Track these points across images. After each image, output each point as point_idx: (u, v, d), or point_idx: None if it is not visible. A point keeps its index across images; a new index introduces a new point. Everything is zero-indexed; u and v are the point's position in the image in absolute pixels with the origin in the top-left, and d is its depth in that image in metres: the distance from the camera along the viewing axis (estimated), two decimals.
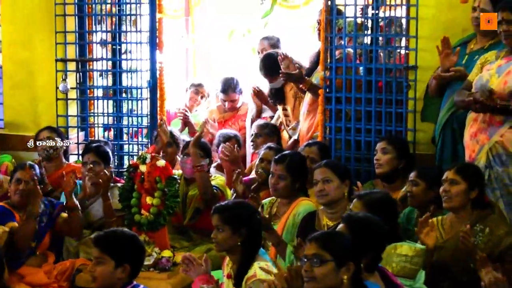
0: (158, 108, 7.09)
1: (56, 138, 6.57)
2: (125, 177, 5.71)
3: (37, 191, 5.43)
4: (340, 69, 6.34)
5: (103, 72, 7.40)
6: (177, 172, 6.00)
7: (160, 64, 7.07)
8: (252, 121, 7.42)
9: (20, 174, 5.66)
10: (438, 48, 5.60)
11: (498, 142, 5.10)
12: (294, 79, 6.64)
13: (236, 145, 6.69)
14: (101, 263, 4.21)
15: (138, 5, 7.15)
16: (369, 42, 6.38)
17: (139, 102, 7.23)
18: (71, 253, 5.87)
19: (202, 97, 8.14)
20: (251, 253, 4.44)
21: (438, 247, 4.69)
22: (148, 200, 5.47)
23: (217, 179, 6.17)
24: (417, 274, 4.47)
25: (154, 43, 7.01)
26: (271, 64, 6.92)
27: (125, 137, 7.44)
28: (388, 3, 6.26)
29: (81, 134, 7.33)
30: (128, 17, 7.23)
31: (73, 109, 7.29)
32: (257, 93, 7.48)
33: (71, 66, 7.25)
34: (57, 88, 7.16)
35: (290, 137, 7.11)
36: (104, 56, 7.34)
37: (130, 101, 7.34)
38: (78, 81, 7.28)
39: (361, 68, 6.33)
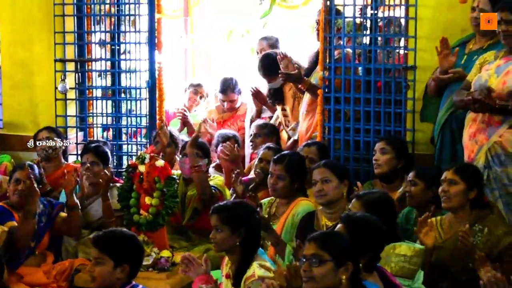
0: (157, 108, 7.08)
1: (55, 138, 6.57)
2: (124, 177, 5.71)
3: (34, 189, 5.42)
4: (339, 69, 6.34)
5: (102, 73, 7.40)
6: (176, 172, 5.99)
7: (159, 64, 7.07)
8: (252, 121, 7.42)
9: (19, 174, 5.66)
10: (437, 48, 5.61)
11: (497, 143, 5.10)
12: (293, 79, 6.64)
13: (236, 145, 6.70)
14: (100, 263, 4.21)
15: (137, 5, 7.15)
16: (368, 42, 6.39)
17: (138, 102, 7.23)
18: (70, 253, 5.87)
19: (201, 97, 8.14)
20: (250, 253, 4.44)
21: (437, 247, 4.69)
22: (147, 200, 5.47)
23: (216, 179, 6.17)
24: (415, 274, 4.47)
25: (153, 43, 7.01)
26: (269, 64, 6.93)
27: (124, 137, 7.43)
28: (387, 3, 6.26)
29: (80, 134, 7.32)
30: (127, 17, 7.23)
31: (72, 109, 7.29)
32: (256, 94, 7.48)
33: (70, 66, 7.25)
34: (56, 88, 7.16)
35: (289, 137, 7.11)
36: (103, 57, 7.34)
37: (129, 101, 7.33)
38: (77, 81, 7.29)
39: (360, 68, 6.33)
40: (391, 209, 4.64)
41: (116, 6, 7.29)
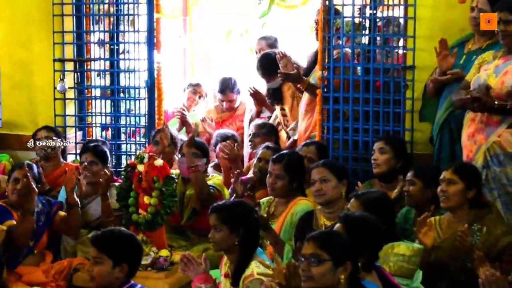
0: (156, 108, 7.09)
1: (54, 138, 6.57)
2: (122, 176, 5.70)
3: (32, 187, 5.41)
4: (338, 69, 6.34)
5: (101, 72, 7.40)
6: (174, 171, 5.99)
7: (158, 64, 7.08)
8: (251, 121, 7.42)
9: (17, 174, 5.65)
10: (436, 49, 5.61)
11: (496, 142, 5.11)
12: (292, 79, 6.64)
13: (236, 144, 6.71)
14: (99, 263, 4.20)
15: (136, 5, 7.15)
16: (367, 42, 6.39)
17: (137, 102, 7.24)
18: (69, 252, 5.88)
19: (200, 97, 8.14)
20: (249, 252, 4.44)
21: (435, 246, 4.69)
22: (146, 199, 5.46)
23: (214, 178, 6.17)
24: (414, 274, 4.47)
25: (152, 43, 7.01)
26: (268, 64, 6.92)
27: (122, 136, 7.43)
28: (386, 3, 6.26)
29: (79, 133, 7.33)
30: (126, 17, 7.23)
31: (71, 108, 7.29)
32: (254, 94, 7.47)
33: (69, 66, 7.25)
34: (55, 88, 7.16)
35: (288, 137, 7.11)
36: (102, 56, 7.34)
37: (128, 101, 7.34)
38: (76, 81, 7.29)
39: (359, 68, 6.33)
40: (390, 208, 4.65)
41: (115, 5, 7.29)
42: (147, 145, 6.99)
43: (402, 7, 6.18)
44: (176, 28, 8.90)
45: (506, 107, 4.96)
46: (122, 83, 7.33)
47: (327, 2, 6.32)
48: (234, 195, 5.81)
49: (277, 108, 7.26)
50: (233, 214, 4.48)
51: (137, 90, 7.22)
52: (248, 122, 7.49)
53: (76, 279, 5.45)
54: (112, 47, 7.32)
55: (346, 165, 6.10)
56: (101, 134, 7.45)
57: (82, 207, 5.88)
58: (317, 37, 6.53)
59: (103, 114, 7.32)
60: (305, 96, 6.72)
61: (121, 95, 7.35)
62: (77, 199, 5.73)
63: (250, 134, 7.03)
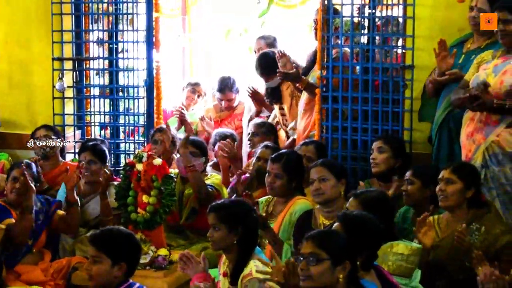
0: (155, 107, 7.09)
1: (53, 137, 6.57)
2: (121, 175, 5.70)
3: (29, 185, 5.41)
4: (337, 68, 6.34)
5: (100, 71, 7.39)
6: (173, 171, 5.99)
7: (157, 63, 7.07)
8: (250, 121, 7.41)
9: (16, 173, 5.65)
10: (435, 50, 5.61)
11: (495, 142, 5.11)
12: (291, 78, 6.64)
13: (235, 143, 6.71)
14: (97, 262, 4.20)
15: (135, 4, 7.14)
16: (366, 42, 6.39)
17: (136, 101, 7.23)
18: (67, 251, 5.87)
19: (198, 96, 8.14)
20: (247, 251, 4.44)
21: (434, 246, 4.69)
22: (145, 198, 5.46)
23: (213, 177, 6.17)
24: (413, 273, 4.47)
25: (150, 42, 7.01)
26: (267, 63, 6.92)
27: (121, 135, 7.43)
28: (385, 2, 6.27)
29: (78, 132, 7.33)
30: (125, 16, 7.23)
31: (69, 107, 7.29)
32: (253, 94, 7.46)
33: (68, 65, 7.25)
34: (53, 86, 7.16)
35: (287, 136, 7.11)
36: (101, 55, 7.34)
37: (126, 100, 7.33)
38: (74, 80, 7.29)
39: (357, 67, 6.33)
40: (388, 207, 4.65)
41: (114, 4, 7.29)
42: (146, 144, 6.98)
43: (401, 7, 6.18)
44: (175, 27, 8.90)
45: (505, 107, 4.96)
46: (121, 82, 7.33)
47: (326, 2, 6.32)
48: (235, 195, 5.81)
49: (276, 107, 7.25)
50: (232, 213, 4.48)
51: (136, 89, 7.21)
52: (247, 121, 7.49)
53: (75, 278, 5.45)
54: (111, 46, 7.32)
55: (345, 164, 6.11)
56: (100, 133, 7.44)
57: (81, 206, 5.88)
58: (316, 36, 6.52)
59: (102, 113, 7.31)
60: (304, 96, 6.72)
61: (120, 94, 7.34)
62: (77, 198, 5.72)
63: (249, 133, 7.03)
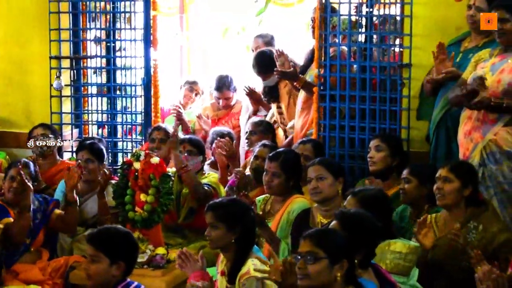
0: (152, 106, 7.09)
1: (50, 135, 6.57)
2: (119, 174, 5.70)
3: (26, 184, 5.40)
4: (334, 67, 6.34)
5: (97, 70, 7.40)
6: (171, 169, 5.98)
7: (154, 61, 7.08)
8: (248, 119, 7.41)
9: (13, 172, 5.64)
10: (434, 53, 5.60)
11: (492, 140, 5.12)
12: (289, 77, 6.63)
13: (233, 141, 6.71)
14: (95, 261, 4.19)
15: (132, 2, 7.14)
16: (363, 40, 6.39)
17: (133, 99, 7.24)
18: (65, 250, 5.88)
19: (196, 95, 8.13)
20: (245, 250, 4.44)
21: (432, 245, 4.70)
22: (142, 197, 5.45)
23: (210, 176, 6.17)
24: (410, 271, 4.48)
25: (148, 40, 7.01)
26: (264, 62, 6.92)
27: (119, 134, 7.43)
28: (382, 1, 6.26)
29: (75, 131, 7.32)
30: (122, 14, 7.23)
31: (67, 106, 7.29)
32: (250, 93, 7.45)
33: (65, 63, 7.25)
34: (51, 85, 7.15)
35: (285, 135, 7.11)
36: (98, 54, 7.34)
37: (124, 99, 7.35)
38: (72, 79, 7.28)
39: (355, 66, 6.33)
40: (386, 206, 4.66)
41: (111, 3, 7.28)
42: (143, 142, 6.98)
43: (398, 5, 6.18)
44: (172, 25, 8.88)
45: (503, 105, 4.97)
46: (118, 81, 7.33)
47: (323, 0, 6.32)
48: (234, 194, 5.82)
49: (274, 106, 7.25)
50: (230, 212, 4.48)
51: (133, 88, 7.21)
52: (244, 120, 7.48)
53: (73, 277, 5.44)
54: (108, 44, 7.32)
55: (343, 163, 6.12)
56: (98, 131, 7.44)
57: (78, 205, 5.88)
58: (314, 35, 6.51)
59: (100, 111, 7.31)
60: (302, 94, 6.71)
61: (118, 92, 7.35)
62: (76, 197, 5.72)
63: (246, 132, 7.02)
